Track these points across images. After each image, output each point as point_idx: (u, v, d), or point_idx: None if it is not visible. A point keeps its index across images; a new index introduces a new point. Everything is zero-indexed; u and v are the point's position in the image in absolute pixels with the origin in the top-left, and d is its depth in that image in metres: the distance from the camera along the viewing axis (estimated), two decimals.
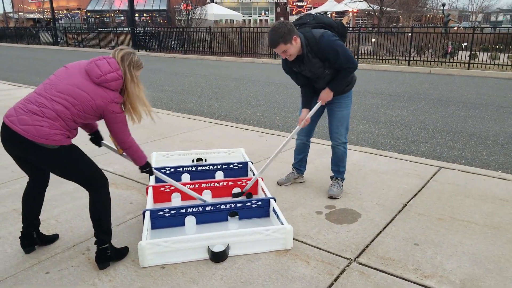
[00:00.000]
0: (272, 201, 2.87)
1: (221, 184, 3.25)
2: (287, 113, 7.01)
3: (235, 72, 13.23)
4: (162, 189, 3.14)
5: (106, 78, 2.16)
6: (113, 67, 2.20)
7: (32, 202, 2.44)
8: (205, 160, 3.96)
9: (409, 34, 14.68)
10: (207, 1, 30.97)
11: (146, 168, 2.56)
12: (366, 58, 15.25)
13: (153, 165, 3.65)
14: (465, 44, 14.75)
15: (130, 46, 16.56)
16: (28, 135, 2.05)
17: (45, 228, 2.77)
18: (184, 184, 3.14)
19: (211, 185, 3.23)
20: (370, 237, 2.68)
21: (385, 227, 2.81)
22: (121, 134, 2.28)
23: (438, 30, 15.64)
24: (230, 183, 3.26)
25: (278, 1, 45.46)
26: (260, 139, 5.03)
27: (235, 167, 3.65)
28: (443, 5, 23.98)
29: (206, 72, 13.40)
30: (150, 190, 3.08)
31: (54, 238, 2.66)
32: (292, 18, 43.39)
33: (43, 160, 2.15)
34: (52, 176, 2.40)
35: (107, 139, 2.52)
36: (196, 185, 3.20)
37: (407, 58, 14.20)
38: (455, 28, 16.55)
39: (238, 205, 2.87)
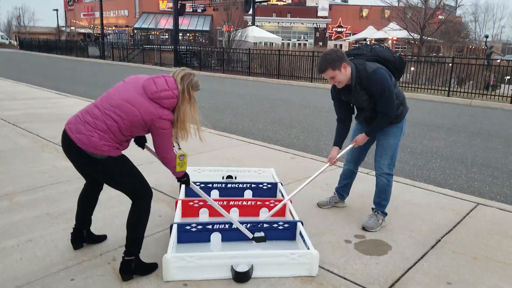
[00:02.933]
0: (299, 224, 2.83)
1: (249, 203, 3.24)
2: (321, 137, 6.96)
3: (271, 93, 13.36)
4: (191, 203, 3.18)
5: (160, 95, 2.23)
6: (170, 86, 2.27)
7: (86, 203, 2.63)
8: (235, 177, 3.97)
9: (450, 64, 14.35)
10: (248, 24, 31.72)
11: (183, 178, 2.57)
12: (405, 86, 14.99)
13: None
14: (508, 77, 14.25)
15: (172, 64, 16.98)
16: (80, 143, 2.19)
17: None
18: (214, 200, 3.16)
19: (239, 203, 3.23)
20: (400, 271, 2.57)
21: (416, 262, 2.69)
22: (164, 149, 2.32)
23: (480, 62, 15.19)
24: (258, 202, 3.25)
25: (318, 26, 45.86)
26: (291, 161, 5.00)
27: (264, 187, 3.64)
28: (486, 36, 23.41)
29: (243, 91, 13.61)
30: (179, 203, 3.12)
31: (102, 238, 2.80)
32: (331, 44, 43.56)
33: (93, 168, 2.29)
34: None
35: (150, 143, 2.54)
36: (224, 202, 3.21)
37: (447, 89, 13.85)
38: (498, 61, 16.00)
39: (265, 225, 2.85)
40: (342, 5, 51.46)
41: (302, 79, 17.82)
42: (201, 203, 3.19)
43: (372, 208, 3.26)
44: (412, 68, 16.02)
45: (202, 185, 3.58)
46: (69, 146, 2.25)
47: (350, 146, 3.16)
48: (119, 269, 2.37)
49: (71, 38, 46.08)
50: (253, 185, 3.63)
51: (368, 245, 2.89)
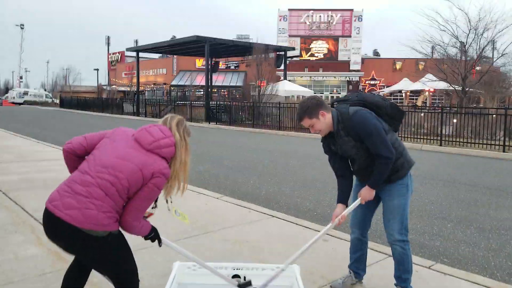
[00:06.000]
0: None
1: None
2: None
3: (302, 149, 12.36)
4: None
5: (160, 144, 2.04)
6: (166, 134, 2.09)
7: (73, 282, 2.20)
8: (244, 278, 2.88)
9: (493, 115, 12.91)
10: (280, 79, 31.68)
11: (150, 235, 2.19)
12: (450, 140, 13.57)
13: (170, 283, 2.68)
14: None
15: (203, 119, 17.31)
16: (74, 221, 1.84)
17: None
18: None
19: None
20: None
21: None
22: (140, 211, 2.02)
23: None
24: None
25: (350, 79, 45.52)
26: (325, 245, 3.86)
27: None
28: None
29: (271, 147, 12.71)
30: None
31: None
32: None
33: (86, 251, 1.94)
34: None
35: None
36: None
37: (501, 143, 12.30)
38: None
39: None
40: (375, 58, 51.25)
41: None
42: None
43: (395, 284, 2.83)
44: (455, 120, 14.65)
45: None
46: (55, 227, 1.89)
47: (357, 201, 2.75)
48: None
49: (111, 96, 48.02)
50: None
51: None
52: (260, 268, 2.93)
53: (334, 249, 3.77)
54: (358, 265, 3.00)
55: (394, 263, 2.82)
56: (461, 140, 13.42)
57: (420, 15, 26.60)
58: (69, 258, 3.45)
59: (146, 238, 2.20)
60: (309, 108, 2.64)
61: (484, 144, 12.88)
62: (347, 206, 2.79)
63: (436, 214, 5.46)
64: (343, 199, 2.82)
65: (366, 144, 2.61)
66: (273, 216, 4.78)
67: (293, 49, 34.69)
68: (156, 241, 2.26)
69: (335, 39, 44.94)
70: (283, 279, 2.84)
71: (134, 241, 2.30)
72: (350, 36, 44.63)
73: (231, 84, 43.15)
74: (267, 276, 2.88)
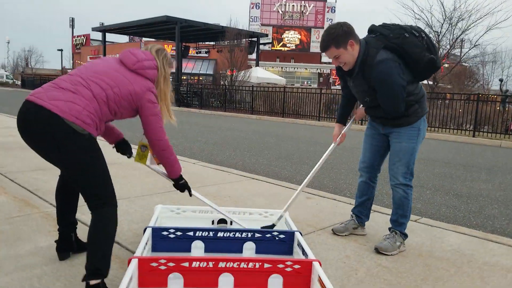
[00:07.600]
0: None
1: (250, 265, 1.96)
2: (339, 175, 5.70)
3: (276, 130, 12.25)
4: (155, 264, 1.90)
5: (144, 64, 2.03)
6: (148, 57, 2.09)
7: (66, 196, 2.17)
8: (231, 223, 2.69)
9: (472, 101, 13.38)
10: (252, 67, 31.39)
11: (181, 180, 2.29)
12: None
13: (154, 222, 2.45)
14: None
15: (173, 103, 16.79)
16: (57, 110, 1.76)
17: None
18: (193, 260, 1.91)
19: (235, 265, 1.95)
20: None
21: None
22: (158, 129, 2.05)
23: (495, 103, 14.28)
24: (266, 265, 1.96)
25: (321, 71, 45.94)
26: (308, 202, 3.73)
27: (276, 239, 2.37)
28: (501, 80, 22.66)
29: (245, 128, 12.53)
30: (134, 265, 1.84)
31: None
32: (335, 89, 43.31)
33: (65, 142, 1.78)
34: None
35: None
36: (211, 263, 1.93)
37: (471, 129, 12.77)
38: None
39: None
40: None
41: (308, 117, 16.84)
42: (170, 264, 1.91)
43: (389, 228, 2.72)
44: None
45: (179, 233, 2.33)
46: (36, 119, 1.78)
47: (351, 120, 2.82)
48: None
49: None
50: (257, 235, 2.36)
51: None
52: (246, 212, 2.76)
53: (318, 204, 3.64)
54: (361, 209, 2.87)
55: (393, 207, 2.72)
56: (430, 126, 13.78)
57: (396, 3, 27.07)
58: (37, 203, 3.18)
59: (177, 183, 2.27)
60: (338, 36, 2.35)
61: (453, 129, 13.33)
62: (344, 125, 2.81)
63: (414, 183, 5.47)
64: (342, 119, 2.83)
65: (377, 96, 2.49)
66: (253, 178, 4.61)
67: (266, 35, 34.41)
68: (186, 190, 2.32)
69: (308, 30, 45.17)
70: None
71: None
72: (322, 28, 44.92)
73: (201, 72, 42.51)
74: (255, 220, 2.71)
